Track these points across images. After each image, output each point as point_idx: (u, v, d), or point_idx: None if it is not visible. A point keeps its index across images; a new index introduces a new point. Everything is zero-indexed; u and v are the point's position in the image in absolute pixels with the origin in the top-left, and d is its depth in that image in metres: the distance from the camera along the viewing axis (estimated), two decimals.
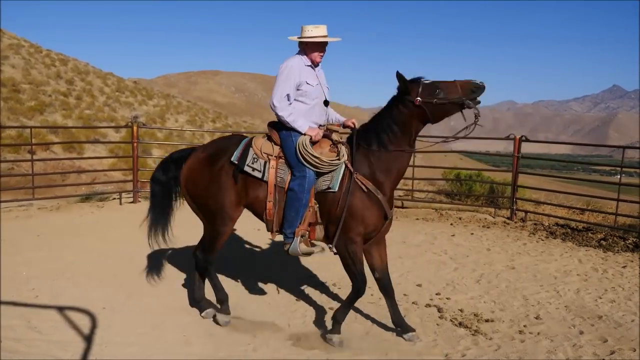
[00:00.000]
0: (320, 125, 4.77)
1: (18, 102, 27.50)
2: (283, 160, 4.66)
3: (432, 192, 12.59)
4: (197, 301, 5.31)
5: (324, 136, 4.66)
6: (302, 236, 4.62)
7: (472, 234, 8.90)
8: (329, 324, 4.97)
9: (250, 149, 4.73)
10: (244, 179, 4.71)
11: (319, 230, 4.69)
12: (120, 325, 4.94)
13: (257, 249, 7.71)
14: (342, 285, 6.09)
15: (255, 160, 4.67)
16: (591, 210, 10.33)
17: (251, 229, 7.67)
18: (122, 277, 6.26)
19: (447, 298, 5.95)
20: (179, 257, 6.85)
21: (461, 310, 5.55)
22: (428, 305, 5.70)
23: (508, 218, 9.86)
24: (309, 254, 4.69)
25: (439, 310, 5.57)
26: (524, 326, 5.15)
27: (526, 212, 9.87)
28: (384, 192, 4.53)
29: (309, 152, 4.47)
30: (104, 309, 5.26)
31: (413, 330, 4.89)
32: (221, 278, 5.61)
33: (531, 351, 4.63)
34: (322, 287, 6.19)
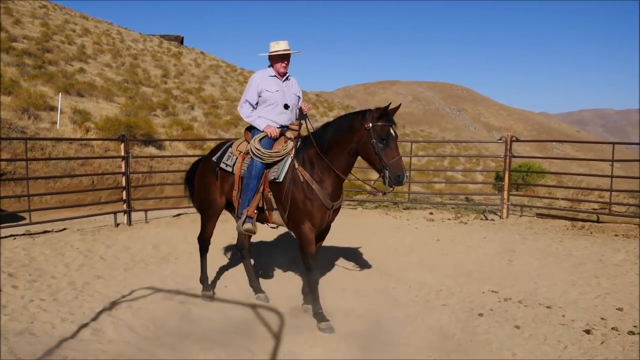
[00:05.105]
0: (282, 126, 5.49)
1: (216, 117, 30.79)
2: (249, 156, 5.42)
3: (636, 205, 11.13)
4: (200, 281, 6.15)
5: (281, 134, 5.44)
6: (249, 217, 5.38)
7: None
8: None
9: (229, 149, 5.73)
10: (222, 175, 5.72)
11: (276, 215, 5.39)
12: (306, 327, 5.20)
13: None
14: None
15: (230, 157, 5.65)
16: None
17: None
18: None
19: None
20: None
21: None
22: (631, 333, 5.04)
23: None
24: (250, 232, 5.46)
25: None
26: None
27: None
28: (325, 187, 5.08)
29: (254, 146, 5.28)
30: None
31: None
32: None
33: None
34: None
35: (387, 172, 4.73)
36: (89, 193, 12.91)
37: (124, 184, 9.97)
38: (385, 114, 4.82)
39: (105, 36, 50.04)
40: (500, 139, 10.99)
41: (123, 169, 9.94)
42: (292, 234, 5.39)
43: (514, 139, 10.77)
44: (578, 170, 72.63)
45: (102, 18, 62.27)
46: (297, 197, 5.13)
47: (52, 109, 19.12)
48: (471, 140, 49.67)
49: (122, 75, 35.83)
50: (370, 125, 4.78)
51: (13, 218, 9.38)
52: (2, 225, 8.59)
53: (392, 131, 4.81)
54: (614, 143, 10.67)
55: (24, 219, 9.29)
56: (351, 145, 4.97)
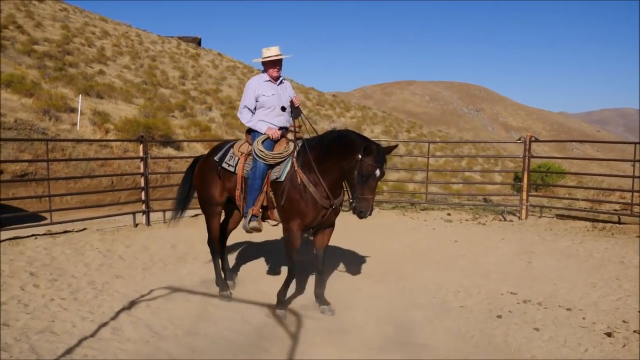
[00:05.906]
0: (281, 127, 5.70)
1: (234, 117, 30.88)
2: (251, 157, 5.63)
3: None
4: (216, 284, 6.24)
5: (282, 136, 5.66)
6: (254, 216, 5.55)
7: None
8: None
9: (231, 149, 5.92)
10: (224, 174, 5.90)
11: (277, 214, 5.58)
12: (322, 328, 5.20)
13: None
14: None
15: (232, 158, 5.85)
16: None
17: None
18: None
19: None
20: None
21: None
22: None
23: None
24: (256, 230, 5.63)
25: None
26: None
27: None
28: (320, 190, 5.23)
29: (258, 148, 5.48)
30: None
31: (328, 304, 5.65)
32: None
33: None
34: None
35: (355, 202, 4.94)
36: (108, 193, 13.07)
37: (142, 184, 10.07)
38: (377, 153, 4.82)
39: (124, 38, 50.61)
40: (519, 139, 10.88)
41: (142, 170, 10.03)
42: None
43: (533, 139, 10.65)
44: (598, 170, 71.58)
45: (121, 20, 63.03)
46: (292, 197, 5.31)
47: (73, 110, 19.39)
48: (489, 141, 49.22)
49: (140, 76, 36.21)
50: (360, 157, 4.84)
51: (34, 218, 9.53)
52: (24, 225, 8.73)
53: (377, 172, 4.85)
54: (635, 143, 10.47)
55: (45, 218, 9.43)
56: (340, 165, 5.07)
